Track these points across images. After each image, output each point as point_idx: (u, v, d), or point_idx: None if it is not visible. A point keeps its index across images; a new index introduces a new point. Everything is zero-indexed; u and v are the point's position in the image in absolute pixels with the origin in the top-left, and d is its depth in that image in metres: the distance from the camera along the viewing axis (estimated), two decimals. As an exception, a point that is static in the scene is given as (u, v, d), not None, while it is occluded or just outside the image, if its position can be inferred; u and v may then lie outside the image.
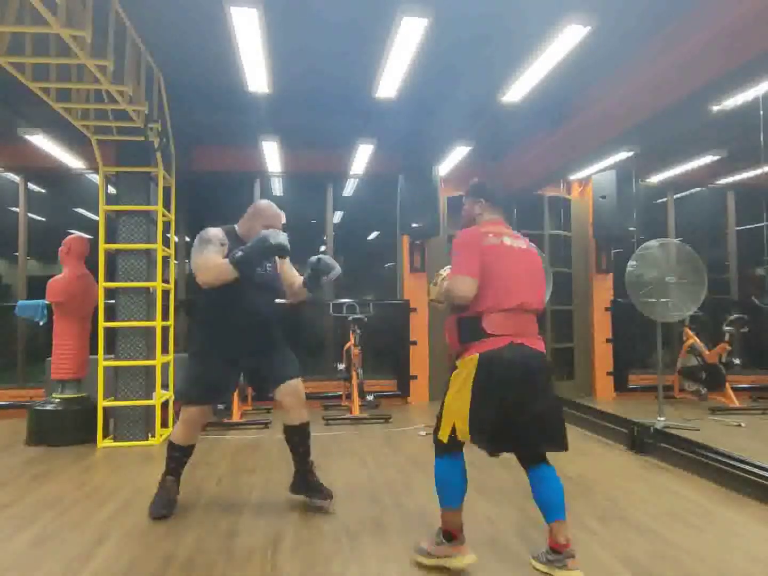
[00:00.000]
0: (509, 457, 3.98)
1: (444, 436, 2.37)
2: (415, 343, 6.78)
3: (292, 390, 3.10)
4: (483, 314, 2.32)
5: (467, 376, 2.31)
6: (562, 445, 2.40)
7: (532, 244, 2.55)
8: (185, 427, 3.10)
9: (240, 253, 2.81)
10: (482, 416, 2.29)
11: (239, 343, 3.04)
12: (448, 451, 2.41)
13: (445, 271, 2.66)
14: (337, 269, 3.08)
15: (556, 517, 2.36)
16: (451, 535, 2.42)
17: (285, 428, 3.17)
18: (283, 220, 3.13)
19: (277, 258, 3.13)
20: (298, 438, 3.16)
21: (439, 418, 2.43)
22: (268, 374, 3.13)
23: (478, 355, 2.30)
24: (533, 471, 2.42)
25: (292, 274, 3.29)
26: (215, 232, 3.01)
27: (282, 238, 2.83)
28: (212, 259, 2.90)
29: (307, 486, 3.18)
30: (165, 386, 5.06)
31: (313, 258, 3.06)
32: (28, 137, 5.46)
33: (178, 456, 3.14)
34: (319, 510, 3.09)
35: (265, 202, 3.21)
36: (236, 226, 3.14)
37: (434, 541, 2.45)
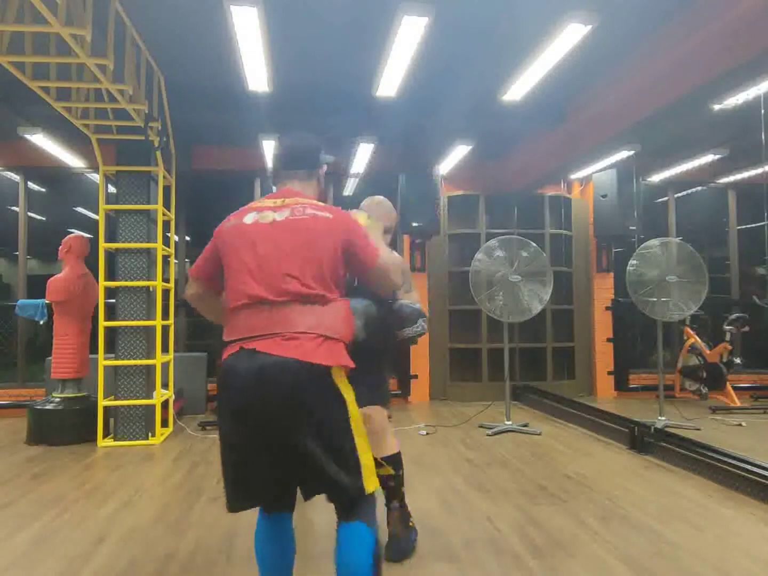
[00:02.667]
0: (509, 457, 3.98)
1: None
2: (415, 342, 6.76)
3: (364, 419, 2.70)
4: (228, 317, 1.81)
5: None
6: (352, 490, 1.68)
7: (321, 213, 1.81)
8: None
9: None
10: (226, 454, 1.75)
11: None
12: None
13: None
14: (419, 328, 2.55)
15: None
16: None
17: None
18: (390, 221, 2.65)
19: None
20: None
21: None
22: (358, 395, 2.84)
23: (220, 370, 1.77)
24: (339, 525, 1.75)
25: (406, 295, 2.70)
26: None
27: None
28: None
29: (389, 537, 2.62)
30: (165, 386, 5.06)
31: (390, 302, 2.44)
32: (28, 136, 5.45)
33: None
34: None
35: (375, 197, 2.75)
36: None
37: None
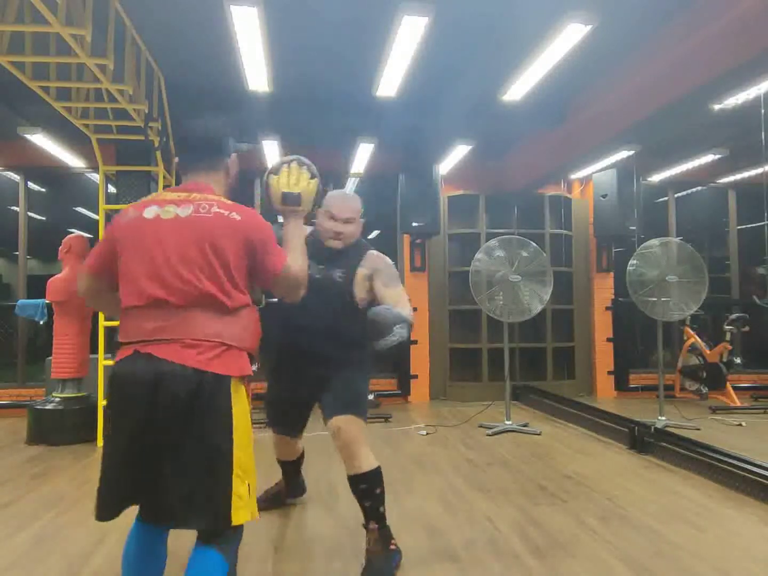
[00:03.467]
0: (509, 457, 3.98)
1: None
2: (415, 342, 6.77)
3: (333, 429, 2.42)
4: (121, 319, 1.71)
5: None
6: (213, 519, 1.55)
7: (228, 213, 1.67)
8: (274, 445, 2.96)
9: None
10: (111, 461, 1.66)
11: (293, 363, 2.59)
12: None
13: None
14: (397, 336, 2.10)
15: None
16: None
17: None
18: (351, 213, 2.51)
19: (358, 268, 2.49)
20: (353, 491, 2.47)
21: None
22: (325, 402, 2.52)
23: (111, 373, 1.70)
24: (193, 551, 1.61)
25: (383, 292, 2.42)
26: (278, 230, 2.30)
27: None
28: None
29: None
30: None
31: (372, 310, 2.19)
32: (28, 136, 5.45)
33: (281, 466, 3.10)
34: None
35: (335, 191, 2.64)
36: None
37: None
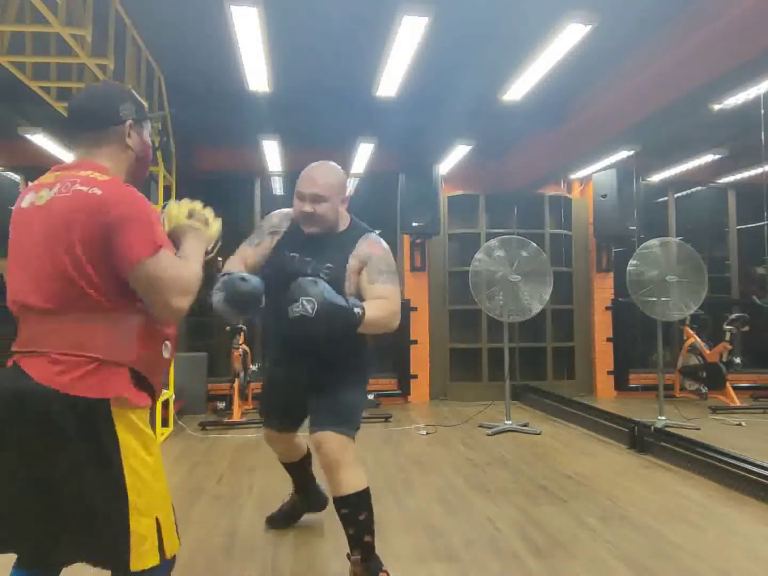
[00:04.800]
0: (509, 457, 3.98)
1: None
2: (415, 342, 6.78)
3: (316, 445, 2.19)
4: None
5: None
6: (111, 563, 1.35)
7: (88, 189, 1.35)
8: (271, 447, 2.70)
9: (212, 298, 2.02)
10: None
11: (284, 360, 2.40)
12: None
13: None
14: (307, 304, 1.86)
15: None
16: None
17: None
18: (319, 188, 2.12)
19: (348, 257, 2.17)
20: (338, 514, 2.21)
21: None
22: (311, 410, 2.28)
23: None
24: None
25: (369, 288, 2.13)
26: (270, 218, 2.31)
27: (236, 290, 1.95)
28: (229, 261, 2.23)
29: None
30: (165, 385, 5.06)
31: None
32: (28, 136, 5.45)
33: (287, 470, 2.79)
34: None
35: (312, 163, 2.25)
36: None
37: None
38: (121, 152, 1.49)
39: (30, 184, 1.47)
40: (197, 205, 1.66)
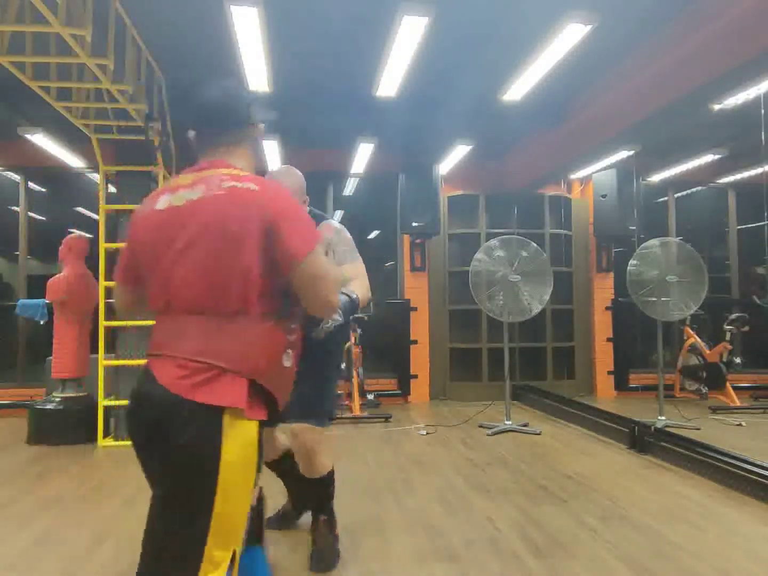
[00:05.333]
0: (509, 457, 3.98)
1: None
2: (415, 342, 6.78)
3: (294, 434, 2.39)
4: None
5: None
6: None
7: (242, 185, 1.36)
8: None
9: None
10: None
11: None
12: None
13: None
14: (333, 320, 2.06)
15: None
16: None
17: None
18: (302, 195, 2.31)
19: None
20: (309, 492, 2.59)
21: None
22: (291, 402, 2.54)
23: None
24: None
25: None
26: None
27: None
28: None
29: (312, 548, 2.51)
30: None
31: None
32: (28, 136, 5.45)
33: (273, 470, 2.75)
34: None
35: (278, 169, 2.38)
36: None
37: None
38: (251, 153, 1.50)
39: (160, 187, 1.46)
40: None
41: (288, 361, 1.41)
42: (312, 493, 2.56)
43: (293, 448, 2.43)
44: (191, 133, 1.49)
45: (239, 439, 1.29)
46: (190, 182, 1.39)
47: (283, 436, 2.69)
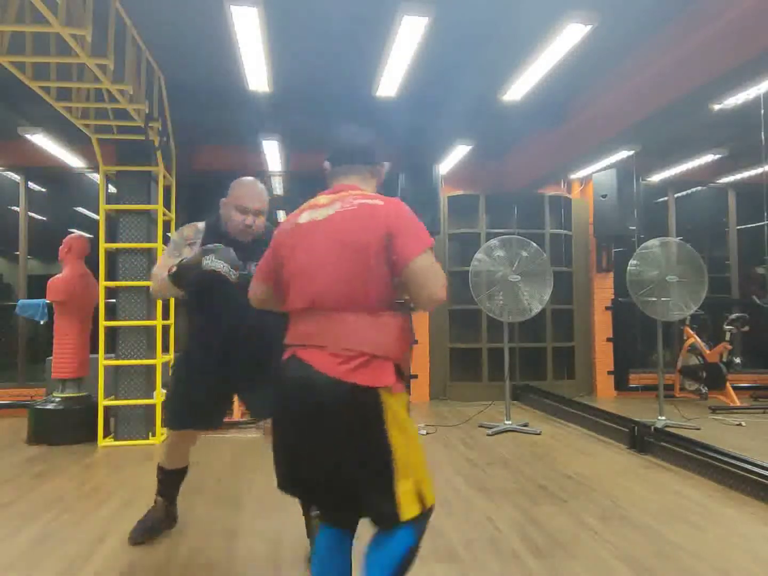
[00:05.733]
0: (509, 457, 3.98)
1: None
2: (415, 342, 6.77)
3: (267, 431, 2.48)
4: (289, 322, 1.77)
5: None
6: (383, 521, 1.61)
7: (370, 201, 1.68)
8: (168, 451, 2.70)
9: (176, 270, 2.27)
10: (282, 461, 1.73)
11: (217, 357, 2.47)
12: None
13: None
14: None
15: None
16: None
17: None
18: (261, 203, 2.45)
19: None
20: None
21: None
22: (261, 396, 2.38)
23: None
24: (374, 537, 1.66)
25: None
26: (186, 231, 2.50)
27: (224, 257, 2.22)
28: (160, 266, 2.40)
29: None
30: (165, 385, 5.06)
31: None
32: (28, 136, 5.45)
33: (163, 479, 2.76)
34: None
35: (242, 178, 2.51)
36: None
37: None
38: (376, 184, 1.87)
39: (301, 206, 1.80)
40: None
41: (411, 350, 1.77)
42: None
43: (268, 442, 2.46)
44: (326, 164, 1.86)
45: (394, 407, 1.59)
46: (329, 201, 1.72)
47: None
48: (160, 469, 2.75)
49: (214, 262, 2.21)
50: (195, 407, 2.51)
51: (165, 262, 2.38)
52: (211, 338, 2.50)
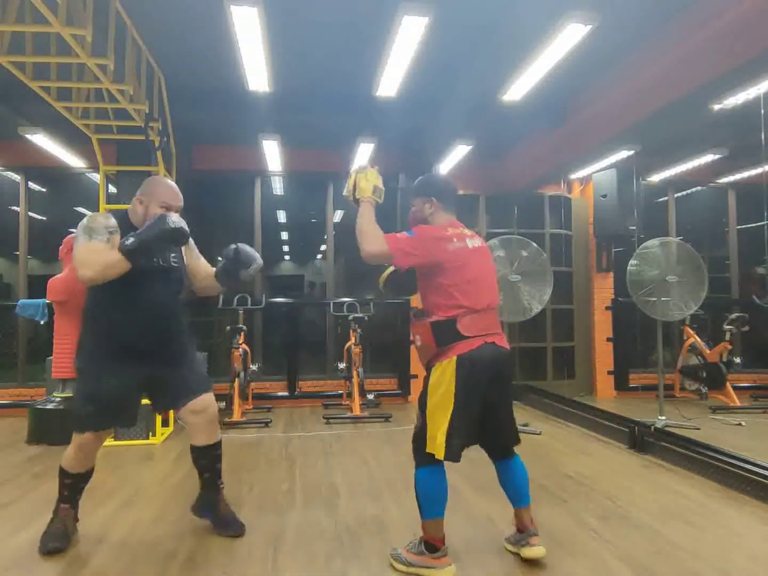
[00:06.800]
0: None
1: (433, 447, 2.38)
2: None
3: (202, 408, 2.66)
4: (458, 317, 2.36)
5: (449, 380, 2.32)
6: (518, 437, 2.59)
7: (481, 239, 2.60)
8: (78, 454, 2.64)
9: (132, 240, 2.35)
10: (464, 418, 2.33)
11: (137, 351, 2.54)
12: (432, 461, 2.43)
13: (363, 172, 2.60)
14: (258, 261, 2.72)
15: (524, 503, 2.59)
16: (434, 546, 2.41)
17: (191, 448, 2.76)
18: (181, 201, 2.69)
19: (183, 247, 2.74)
20: (205, 461, 2.78)
21: (423, 427, 2.42)
22: (175, 387, 2.64)
23: (456, 357, 2.32)
24: (504, 462, 2.63)
25: (198, 264, 2.82)
26: (102, 219, 2.54)
27: (181, 221, 2.46)
28: (97, 250, 2.42)
29: (216, 517, 2.80)
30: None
31: (230, 248, 2.69)
32: (28, 136, 5.46)
33: (71, 483, 2.68)
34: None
35: (159, 177, 2.77)
36: (129, 212, 2.65)
37: (415, 550, 2.42)
38: None
39: (446, 231, 2.50)
40: (379, 181, 2.65)
41: None
42: (213, 459, 2.79)
43: (198, 425, 2.69)
44: (433, 199, 2.61)
45: None
46: (469, 234, 2.53)
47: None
48: (67, 474, 2.67)
49: (180, 220, 2.46)
50: (117, 406, 2.59)
51: (104, 245, 2.44)
52: (130, 334, 2.53)
